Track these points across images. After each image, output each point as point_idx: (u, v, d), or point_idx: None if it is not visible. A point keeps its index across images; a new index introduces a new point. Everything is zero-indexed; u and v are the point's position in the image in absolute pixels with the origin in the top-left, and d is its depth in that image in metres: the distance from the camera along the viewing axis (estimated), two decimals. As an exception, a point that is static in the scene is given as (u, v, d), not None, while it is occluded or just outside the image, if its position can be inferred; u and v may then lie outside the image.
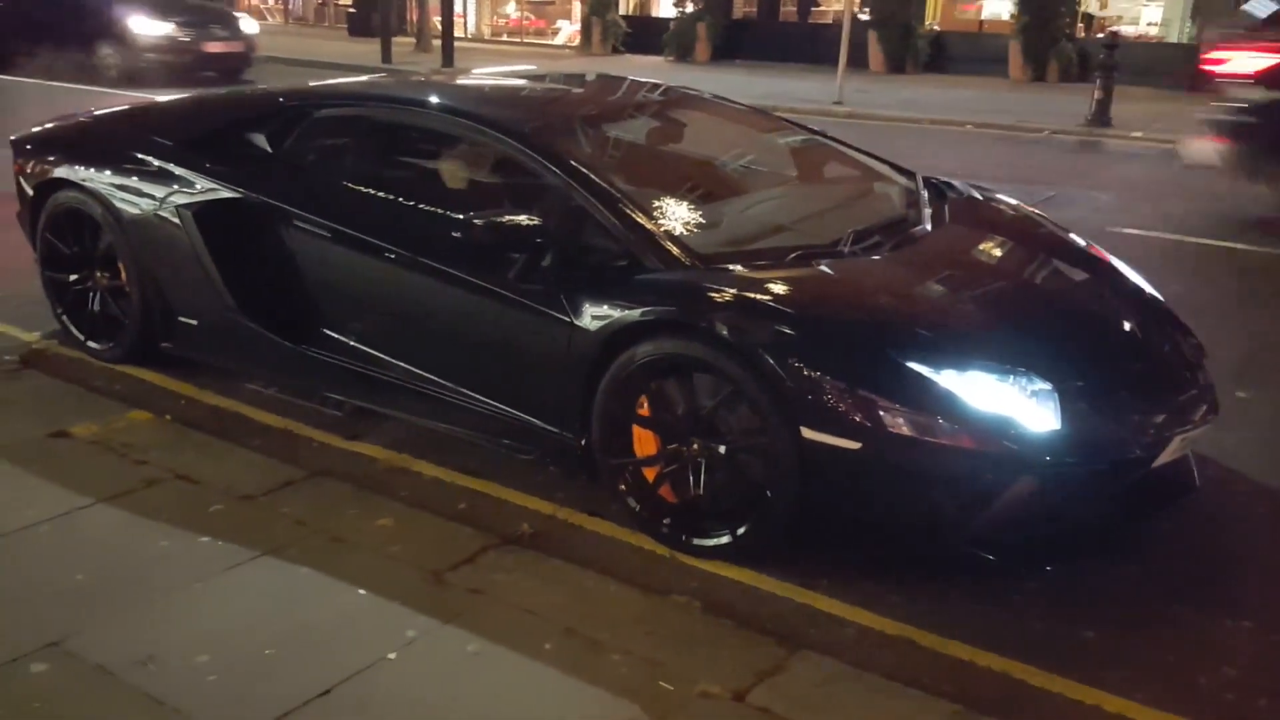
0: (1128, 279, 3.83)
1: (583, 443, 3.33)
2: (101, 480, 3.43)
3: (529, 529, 3.26)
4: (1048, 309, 3.49)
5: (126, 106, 5.03)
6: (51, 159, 4.47)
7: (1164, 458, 3.12)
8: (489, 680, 2.55)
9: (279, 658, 2.60)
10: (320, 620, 2.75)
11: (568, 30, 26.27)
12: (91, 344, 4.49)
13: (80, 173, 4.33)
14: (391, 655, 2.61)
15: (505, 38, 27.21)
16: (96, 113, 4.93)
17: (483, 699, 2.49)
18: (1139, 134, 12.46)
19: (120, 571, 2.95)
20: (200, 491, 3.40)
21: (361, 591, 2.88)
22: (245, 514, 3.28)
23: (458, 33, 19.97)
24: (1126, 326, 3.54)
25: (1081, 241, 4.09)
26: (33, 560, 2.99)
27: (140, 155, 4.24)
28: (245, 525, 3.20)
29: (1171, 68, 17.08)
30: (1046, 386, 2.93)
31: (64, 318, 4.57)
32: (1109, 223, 7.73)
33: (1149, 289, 3.81)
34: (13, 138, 4.77)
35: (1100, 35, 17.09)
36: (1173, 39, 19.55)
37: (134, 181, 4.19)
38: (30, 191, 4.56)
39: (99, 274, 4.42)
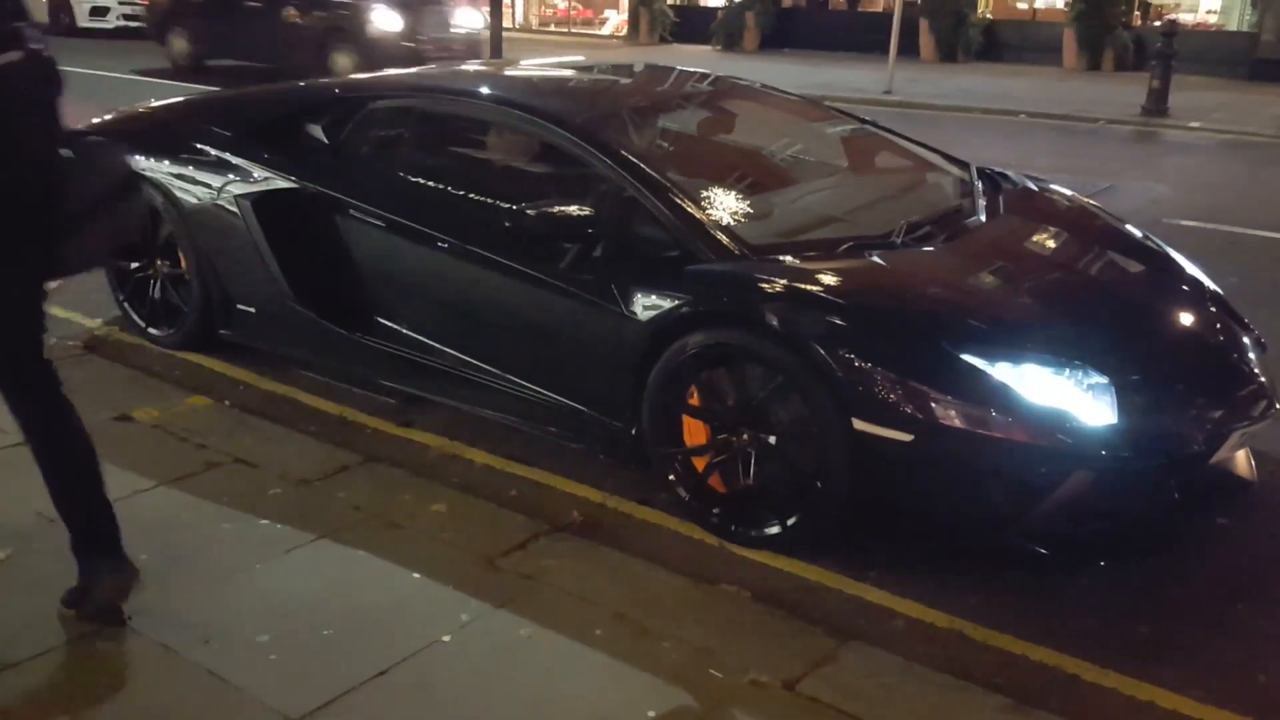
0: (1185, 271, 3.78)
1: (632, 431, 3.35)
2: (164, 464, 3.52)
3: (579, 516, 3.29)
4: (1104, 301, 3.44)
5: (185, 98, 5.12)
6: (114, 149, 4.57)
7: (1222, 453, 3.08)
8: (542, 664, 2.58)
9: (337, 638, 2.65)
10: (377, 603, 2.80)
11: (615, 20, 26.26)
12: (152, 330, 4.59)
13: (141, 163, 4.41)
14: (446, 638, 2.65)
15: (552, 28, 27.25)
16: (156, 104, 5.04)
17: (536, 682, 2.52)
18: (1197, 124, 12.23)
19: (183, 552, 3.02)
20: (259, 475, 3.47)
21: (416, 575, 2.93)
22: (303, 498, 3.34)
23: (505, 23, 20.01)
24: (1184, 319, 3.49)
25: (1138, 233, 4.03)
26: (99, 540, 3.07)
27: (199, 146, 4.32)
28: (303, 509, 3.26)
29: (1231, 56, 16.75)
30: (1103, 380, 2.90)
31: (125, 305, 4.67)
32: (1166, 214, 7.60)
33: (1207, 281, 3.75)
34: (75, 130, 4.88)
35: (1157, 23, 16.78)
36: (1232, 27, 19.11)
37: (193, 171, 4.28)
38: (93, 181, 4.66)
39: (159, 262, 4.51)
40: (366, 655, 2.58)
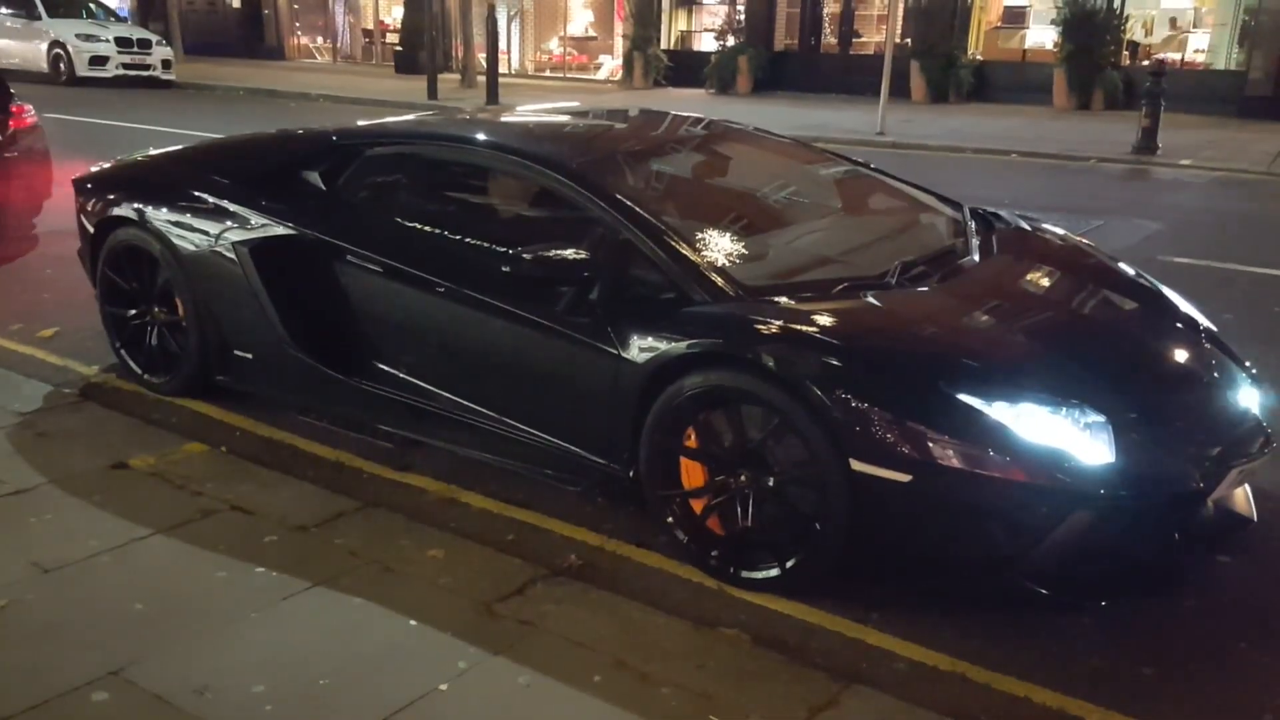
0: (1179, 308, 3.79)
1: (630, 474, 3.34)
2: (159, 511, 3.50)
3: (577, 560, 3.27)
4: (1099, 340, 3.45)
5: (183, 146, 5.16)
6: (111, 198, 4.60)
7: (1220, 490, 3.07)
8: (540, 712, 2.56)
9: (333, 688, 2.62)
10: (373, 651, 2.78)
11: (610, 65, 26.52)
12: (149, 377, 4.59)
13: (139, 211, 4.44)
14: (443, 686, 2.62)
15: (548, 73, 27.50)
16: (154, 153, 5.07)
17: (534, 731, 2.49)
18: (1187, 161, 12.33)
19: (178, 601, 3.00)
20: (255, 522, 3.46)
21: (413, 622, 2.90)
22: (299, 544, 3.32)
23: (502, 69, 20.20)
24: (1180, 357, 3.50)
25: (1131, 270, 4.05)
26: (94, 590, 3.05)
27: (197, 193, 4.34)
28: (299, 556, 3.24)
29: (1219, 94, 16.93)
30: (1100, 418, 2.90)
31: (122, 352, 4.67)
32: (1158, 251, 7.64)
33: (1201, 318, 3.76)
34: (74, 178, 4.91)
35: (1146, 63, 16.96)
36: (1219, 66, 19.32)
37: (191, 219, 4.30)
38: (91, 229, 4.69)
39: (157, 309, 4.52)
40: (363, 705, 2.55)
